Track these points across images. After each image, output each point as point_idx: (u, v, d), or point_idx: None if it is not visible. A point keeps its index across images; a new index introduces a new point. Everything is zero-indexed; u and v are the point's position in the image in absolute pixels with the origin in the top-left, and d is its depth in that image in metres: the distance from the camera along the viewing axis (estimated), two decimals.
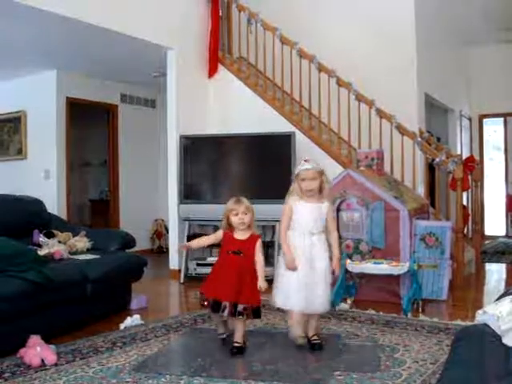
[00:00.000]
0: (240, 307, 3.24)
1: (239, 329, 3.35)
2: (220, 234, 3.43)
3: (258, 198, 5.88)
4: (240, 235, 3.36)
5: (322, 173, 3.42)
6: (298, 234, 3.41)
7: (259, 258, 3.32)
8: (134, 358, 3.27)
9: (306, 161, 3.42)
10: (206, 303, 3.34)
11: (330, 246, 3.47)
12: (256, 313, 3.33)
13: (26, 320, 3.50)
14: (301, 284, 3.33)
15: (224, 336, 3.53)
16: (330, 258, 3.44)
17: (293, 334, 3.45)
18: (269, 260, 6.23)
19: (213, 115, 6.84)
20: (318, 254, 3.39)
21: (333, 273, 3.47)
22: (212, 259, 6.05)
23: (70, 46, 6.36)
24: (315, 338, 3.44)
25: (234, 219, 3.32)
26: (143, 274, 4.73)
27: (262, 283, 3.26)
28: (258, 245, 3.34)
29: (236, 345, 3.31)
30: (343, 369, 3.00)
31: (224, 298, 3.25)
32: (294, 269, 3.34)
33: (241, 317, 3.27)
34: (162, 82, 6.85)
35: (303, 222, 3.40)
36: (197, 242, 3.63)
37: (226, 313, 3.24)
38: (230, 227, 3.38)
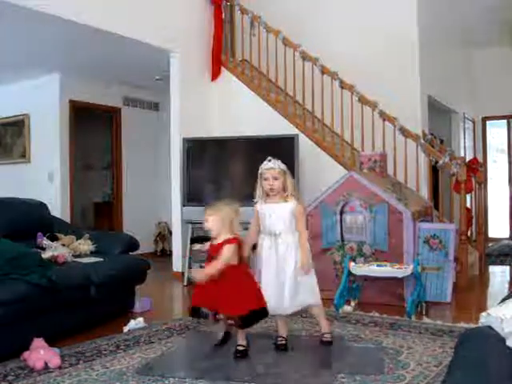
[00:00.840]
0: (220, 316, 3.19)
1: (239, 331, 3.34)
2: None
3: None
4: (215, 240, 3.28)
5: (284, 172, 3.41)
6: (264, 236, 3.41)
7: (222, 255, 3.15)
8: (137, 360, 3.27)
9: (269, 160, 3.43)
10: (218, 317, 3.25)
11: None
12: (245, 321, 3.17)
13: (29, 323, 3.50)
14: (266, 285, 3.31)
15: (218, 342, 3.49)
16: None
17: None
18: None
19: (216, 118, 6.85)
20: (284, 256, 3.34)
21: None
22: None
23: (74, 50, 6.37)
24: (281, 338, 3.44)
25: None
26: (147, 276, 4.73)
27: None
28: (224, 248, 3.17)
29: (239, 348, 3.31)
30: (347, 371, 3.00)
31: (203, 305, 3.23)
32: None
33: (232, 323, 3.22)
34: (165, 85, 6.87)
35: (266, 223, 3.40)
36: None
37: (209, 319, 3.23)
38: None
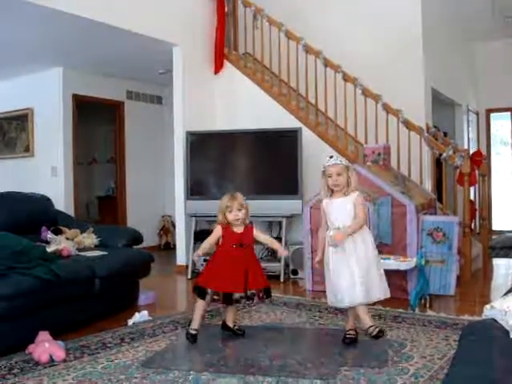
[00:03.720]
0: (249, 293, 3.41)
1: (234, 313, 3.67)
2: (219, 229, 3.52)
3: (264, 194, 5.91)
4: (237, 229, 3.49)
5: (347, 167, 3.44)
6: (331, 231, 3.43)
7: (264, 237, 3.70)
8: (142, 353, 3.29)
9: (331, 157, 3.45)
10: (217, 297, 3.44)
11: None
12: (267, 292, 3.51)
13: (34, 316, 3.52)
14: (338, 279, 3.38)
15: (195, 332, 3.52)
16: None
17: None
18: (276, 256, 6.25)
19: (219, 111, 6.84)
20: (352, 249, 3.38)
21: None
22: None
23: (76, 44, 6.36)
24: (352, 332, 3.45)
25: (229, 216, 3.45)
26: (151, 270, 4.74)
27: (282, 251, 3.62)
28: (255, 232, 3.55)
29: (236, 327, 3.63)
30: (351, 364, 3.01)
31: (237, 290, 3.40)
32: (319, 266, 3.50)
33: (251, 301, 3.52)
34: (168, 78, 6.86)
35: (333, 218, 3.43)
36: (202, 249, 3.59)
37: (240, 303, 3.54)
38: (228, 222, 3.48)
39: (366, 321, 3.47)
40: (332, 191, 3.44)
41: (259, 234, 3.60)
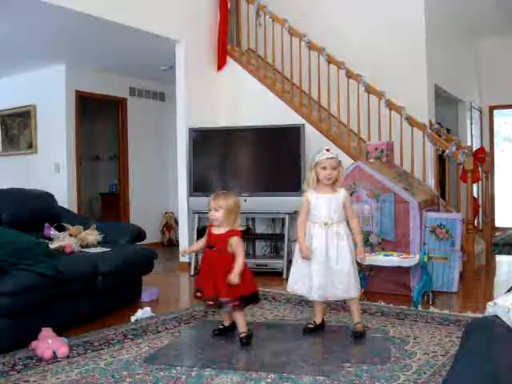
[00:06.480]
0: (223, 300, 3.29)
1: (238, 319, 3.40)
2: (208, 228, 3.48)
3: (267, 191, 5.91)
4: (216, 230, 3.37)
5: (340, 162, 3.46)
6: (314, 225, 3.45)
7: (237, 253, 3.28)
8: (145, 350, 3.29)
9: (327, 150, 3.45)
10: (198, 294, 3.42)
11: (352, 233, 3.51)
12: (249, 299, 3.38)
13: (37, 313, 3.53)
14: (317, 274, 3.39)
15: (217, 331, 3.54)
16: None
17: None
18: (278, 252, 6.26)
19: (222, 108, 6.84)
20: (337, 244, 3.40)
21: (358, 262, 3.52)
22: None
23: (79, 40, 6.37)
24: (358, 325, 3.49)
25: (209, 214, 3.37)
26: (154, 266, 4.75)
27: (232, 276, 3.20)
28: (233, 240, 3.29)
29: (243, 335, 3.35)
30: (353, 360, 3.01)
31: (206, 291, 3.34)
32: (307, 258, 3.40)
33: (225, 309, 3.38)
34: (171, 75, 6.86)
35: (319, 213, 3.43)
36: (196, 246, 3.60)
37: (210, 306, 3.40)
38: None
39: (356, 316, 3.52)
40: (318, 185, 3.45)
41: (236, 248, 3.29)
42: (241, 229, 3.43)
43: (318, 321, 3.62)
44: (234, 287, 3.23)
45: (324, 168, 3.39)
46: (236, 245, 3.29)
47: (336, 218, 3.42)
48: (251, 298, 3.41)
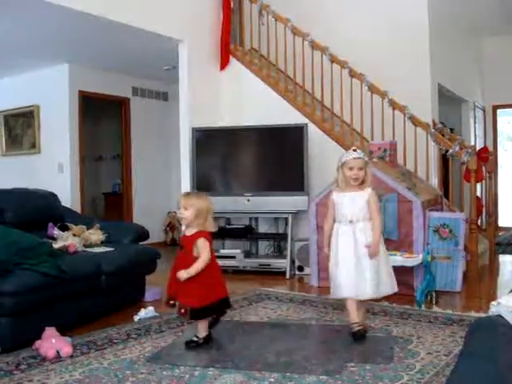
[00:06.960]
0: (177, 304, 3.22)
1: (200, 322, 3.33)
2: None
3: (270, 191, 5.91)
4: (188, 230, 3.28)
5: (367, 162, 3.44)
6: (340, 224, 3.43)
7: (200, 255, 3.16)
8: (148, 349, 3.29)
9: (354, 150, 3.43)
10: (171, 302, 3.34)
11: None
12: (194, 314, 3.22)
13: (41, 312, 3.53)
14: (346, 271, 3.37)
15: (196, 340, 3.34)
16: None
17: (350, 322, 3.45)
18: (281, 252, 6.26)
19: (225, 107, 6.83)
20: (362, 243, 3.37)
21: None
22: (224, 251, 6.07)
23: (82, 40, 6.38)
24: (357, 325, 3.40)
25: (178, 213, 3.29)
26: (157, 266, 4.75)
27: (181, 272, 3.14)
28: (198, 242, 3.17)
29: (193, 339, 3.31)
30: (356, 360, 3.01)
31: (167, 291, 3.32)
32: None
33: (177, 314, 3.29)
34: (174, 74, 6.86)
35: (344, 211, 3.42)
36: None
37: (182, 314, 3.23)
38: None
39: (355, 316, 3.44)
40: (346, 184, 3.43)
41: (200, 250, 3.17)
42: (212, 230, 3.27)
43: (360, 319, 3.45)
44: (188, 296, 3.16)
45: (351, 168, 3.36)
46: (200, 247, 3.17)
47: (362, 216, 3.38)
48: (197, 314, 3.23)
